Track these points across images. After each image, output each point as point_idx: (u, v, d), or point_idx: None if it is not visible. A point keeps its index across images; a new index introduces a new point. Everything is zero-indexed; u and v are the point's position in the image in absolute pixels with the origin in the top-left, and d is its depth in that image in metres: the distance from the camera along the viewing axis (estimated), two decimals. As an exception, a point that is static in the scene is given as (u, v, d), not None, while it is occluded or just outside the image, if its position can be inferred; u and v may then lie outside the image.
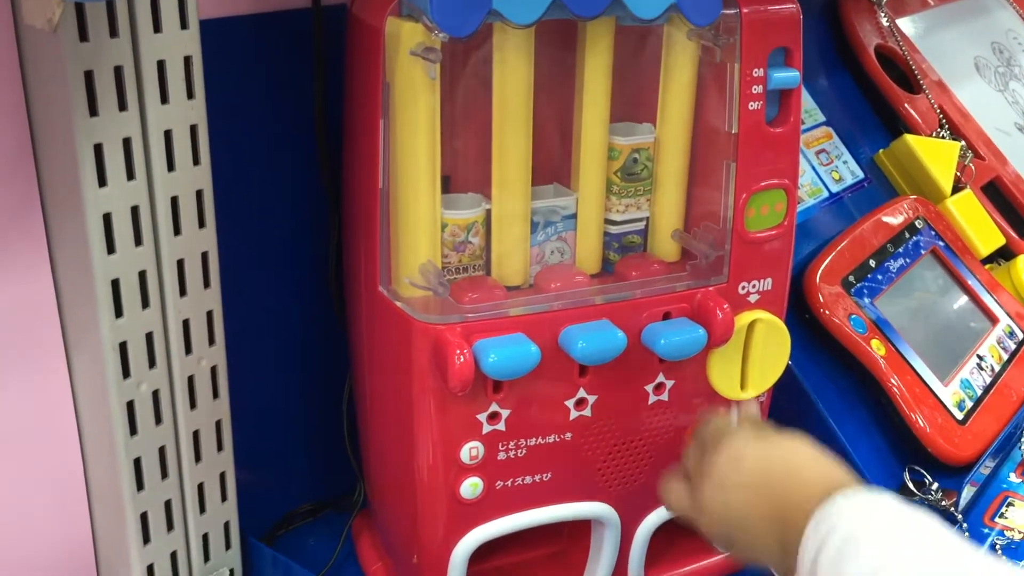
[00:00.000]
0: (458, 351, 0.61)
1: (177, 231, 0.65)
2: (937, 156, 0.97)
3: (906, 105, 1.00)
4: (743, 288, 0.70)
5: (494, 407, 0.65)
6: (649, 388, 0.69)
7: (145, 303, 0.65)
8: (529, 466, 0.68)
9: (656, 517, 0.73)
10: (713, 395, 0.71)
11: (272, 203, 0.76)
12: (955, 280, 0.91)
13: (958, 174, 0.99)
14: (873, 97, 1.01)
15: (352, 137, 0.68)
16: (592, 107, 0.66)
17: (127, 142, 0.62)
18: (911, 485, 0.78)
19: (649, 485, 0.72)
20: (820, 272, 0.82)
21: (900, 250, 0.89)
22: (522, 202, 0.66)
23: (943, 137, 1.01)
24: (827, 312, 0.81)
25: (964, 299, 0.91)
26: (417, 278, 0.64)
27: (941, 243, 0.92)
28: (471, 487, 0.66)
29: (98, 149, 0.60)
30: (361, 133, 0.66)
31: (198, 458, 0.71)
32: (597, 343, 0.64)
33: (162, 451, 0.69)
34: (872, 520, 0.50)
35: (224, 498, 0.74)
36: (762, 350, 0.70)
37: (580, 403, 0.67)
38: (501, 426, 0.66)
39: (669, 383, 0.70)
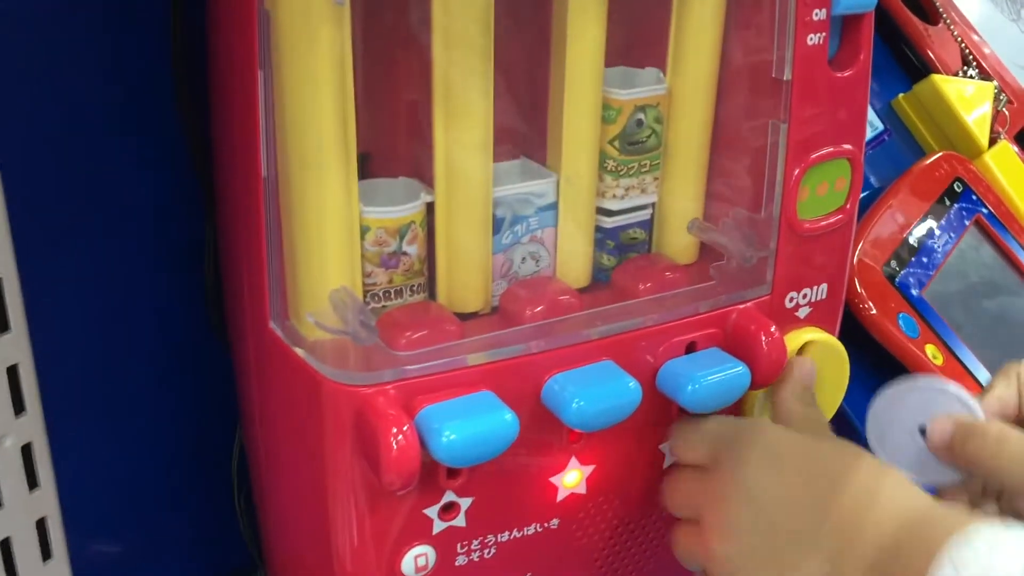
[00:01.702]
0: (394, 430, 0.39)
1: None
2: (970, 100, 0.78)
3: (925, 32, 0.80)
4: (791, 300, 0.49)
5: (450, 496, 0.43)
6: (666, 447, 0.48)
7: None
8: (500, 570, 0.46)
9: (668, 608, 0.53)
10: (748, 446, 0.51)
11: (121, 193, 0.52)
12: (1005, 257, 0.72)
13: (990, 122, 0.79)
14: (886, 30, 0.81)
15: (221, 99, 0.45)
16: (579, 45, 0.43)
17: None
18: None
19: (659, 573, 0.52)
20: (857, 256, 0.62)
21: (942, 223, 0.69)
22: (480, 189, 0.43)
23: (971, 77, 0.81)
24: (871, 309, 0.61)
25: (1017, 281, 0.72)
26: (326, 313, 0.41)
27: (984, 210, 0.73)
28: (419, 608, 0.45)
29: None
30: (232, 92, 0.42)
31: None
32: (601, 401, 0.42)
33: (-45, 574, 0.46)
34: None
35: (61, 620, 0.51)
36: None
37: (572, 478, 0.46)
38: (460, 521, 0.44)
39: (691, 436, 0.49)
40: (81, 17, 0.49)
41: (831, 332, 0.51)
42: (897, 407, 0.48)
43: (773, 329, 0.46)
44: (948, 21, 0.83)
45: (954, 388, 0.47)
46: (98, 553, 0.56)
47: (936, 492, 0.47)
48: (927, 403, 0.47)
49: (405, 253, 0.43)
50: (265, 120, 0.40)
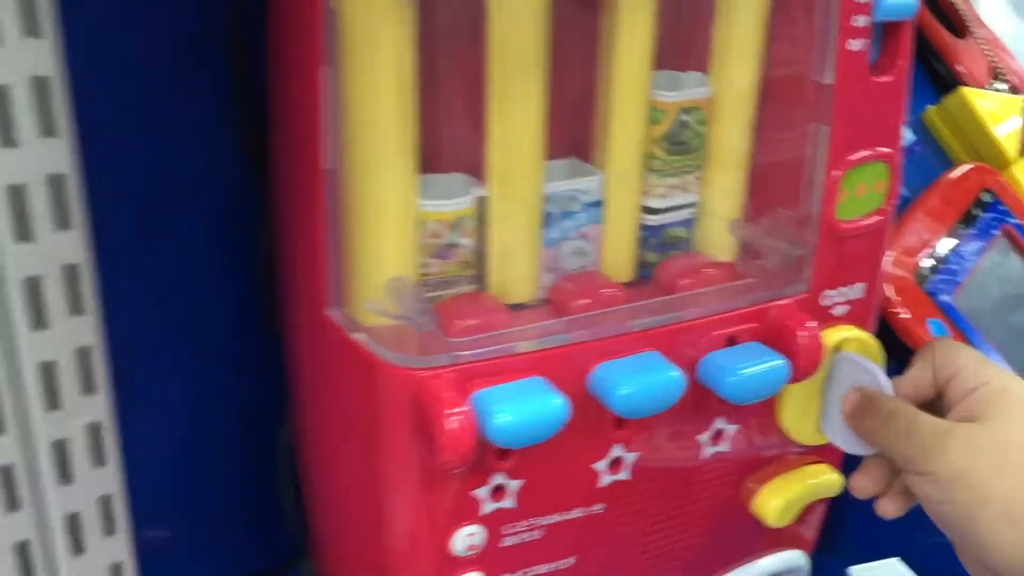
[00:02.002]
0: (450, 411, 0.40)
1: (24, 235, 0.43)
2: (998, 113, 0.78)
3: (954, 45, 0.81)
4: (827, 298, 0.50)
5: (499, 479, 0.45)
6: (704, 438, 0.50)
7: (-19, 343, 0.43)
8: (546, 551, 0.48)
9: (704, 597, 0.54)
10: (784, 441, 0.52)
11: (176, 187, 0.54)
12: (1033, 266, 0.73)
13: (1018, 135, 0.80)
14: (916, 42, 0.82)
15: (280, 94, 0.46)
16: (629, 50, 0.45)
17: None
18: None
19: (697, 560, 0.53)
20: (889, 263, 0.63)
21: (972, 232, 0.70)
22: (532, 186, 0.45)
23: (1000, 91, 0.82)
24: (902, 314, 0.62)
25: (1045, 289, 0.73)
26: (384, 300, 0.42)
27: (1012, 221, 0.74)
28: (467, 587, 0.46)
29: None
30: (294, 87, 0.44)
31: (79, 550, 0.50)
32: (647, 388, 0.43)
33: (24, 548, 0.48)
34: None
35: (120, 595, 0.53)
36: (847, 378, 0.51)
37: (615, 464, 0.47)
38: (509, 503, 0.45)
39: (730, 429, 0.50)
40: (143, 11, 0.50)
41: (867, 330, 0.52)
42: (831, 377, 0.50)
43: (811, 324, 0.47)
44: (976, 35, 0.84)
45: (870, 364, 0.48)
46: (146, 535, 0.58)
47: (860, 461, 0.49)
48: (850, 376, 0.49)
49: (458, 245, 0.45)
50: (329, 116, 0.42)
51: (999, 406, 0.43)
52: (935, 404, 0.46)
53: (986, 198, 0.73)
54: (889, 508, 0.47)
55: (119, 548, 0.51)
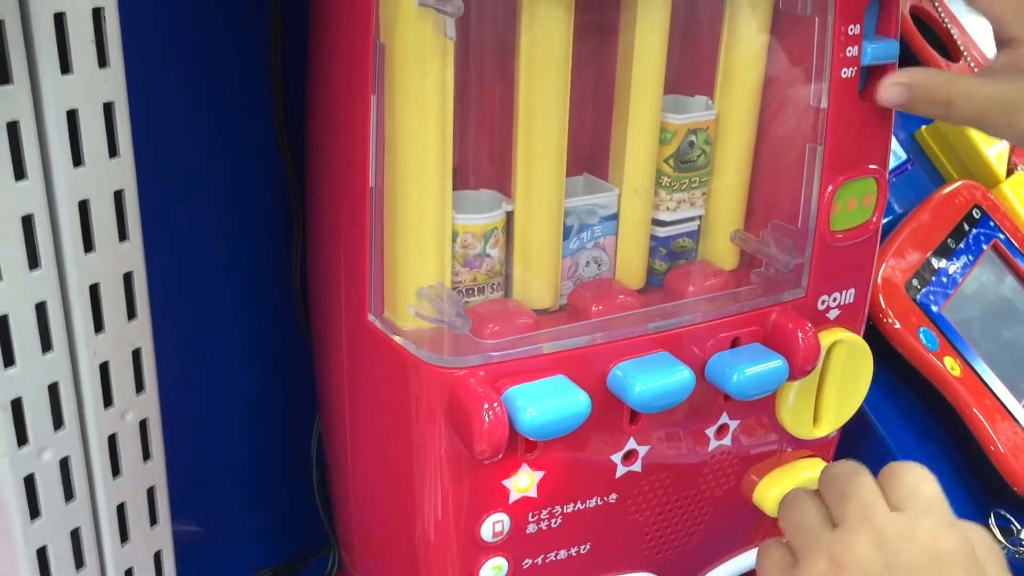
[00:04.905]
0: (486, 405, 0.47)
1: (88, 246, 0.50)
2: (987, 133, 0.87)
3: (948, 68, 0.90)
4: (823, 302, 0.58)
5: (524, 470, 0.52)
6: (710, 432, 0.57)
7: (46, 345, 0.50)
8: (565, 538, 0.55)
9: (709, 585, 0.62)
10: (782, 435, 0.60)
11: (217, 204, 0.61)
12: (1020, 280, 0.81)
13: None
14: (909, 66, 0.90)
15: (324, 118, 0.54)
16: (644, 76, 0.53)
17: (13, 127, 0.46)
18: (997, 533, 0.68)
19: (701, 547, 0.60)
20: (882, 275, 0.71)
21: (961, 246, 0.78)
22: (555, 201, 0.53)
23: (989, 110, 0.91)
24: (894, 324, 0.70)
25: (1032, 301, 0.81)
26: (423, 305, 0.50)
27: (1001, 236, 0.82)
28: (494, 571, 0.53)
29: (-25, 137, 0.45)
30: (340, 113, 0.52)
31: (125, 538, 0.56)
32: (660, 385, 0.51)
33: (76, 535, 0.54)
34: None
35: (159, 584, 0.59)
36: (840, 377, 0.59)
37: (629, 456, 0.55)
38: (532, 492, 0.53)
39: (733, 424, 0.58)
40: (193, 43, 0.58)
41: (856, 332, 0.60)
42: None
43: (809, 327, 0.55)
44: (968, 59, 0.93)
45: None
46: (181, 526, 0.64)
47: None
48: None
49: (488, 255, 0.52)
50: (375, 138, 0.49)
51: None
52: None
53: (976, 214, 0.82)
54: None
55: (161, 537, 0.58)
